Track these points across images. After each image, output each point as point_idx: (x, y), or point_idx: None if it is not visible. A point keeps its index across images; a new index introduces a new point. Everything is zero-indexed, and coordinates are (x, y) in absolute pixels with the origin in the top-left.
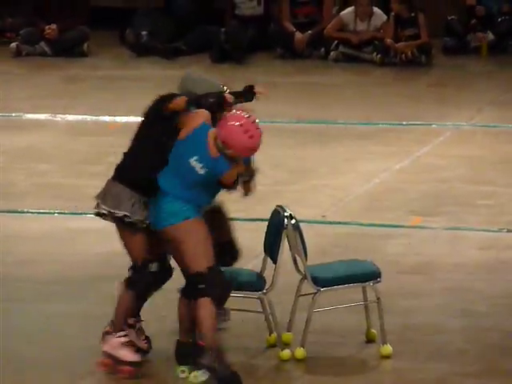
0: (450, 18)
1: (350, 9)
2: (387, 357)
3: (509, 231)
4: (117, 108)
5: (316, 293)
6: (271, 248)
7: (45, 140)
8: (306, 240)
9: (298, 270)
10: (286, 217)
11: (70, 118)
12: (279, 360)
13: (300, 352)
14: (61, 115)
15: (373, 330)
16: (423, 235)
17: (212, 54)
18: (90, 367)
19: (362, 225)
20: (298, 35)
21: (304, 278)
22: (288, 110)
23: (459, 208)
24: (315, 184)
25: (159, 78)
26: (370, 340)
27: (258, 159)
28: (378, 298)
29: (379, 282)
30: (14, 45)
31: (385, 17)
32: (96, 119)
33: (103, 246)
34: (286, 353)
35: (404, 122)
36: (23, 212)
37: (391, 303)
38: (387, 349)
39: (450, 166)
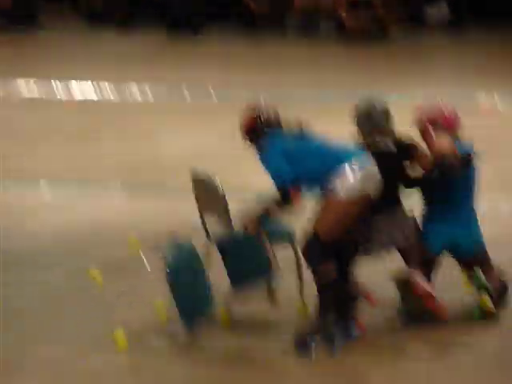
0: None
1: None
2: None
3: None
4: (72, 77)
5: None
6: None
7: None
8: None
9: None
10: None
11: (25, 87)
12: None
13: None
14: (16, 84)
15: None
16: None
17: (168, 24)
18: (50, 336)
19: None
20: (255, 5)
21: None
22: (245, 80)
23: None
24: None
25: (114, 48)
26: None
27: (213, 132)
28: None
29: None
30: None
31: None
32: (51, 89)
33: (55, 218)
34: None
35: (359, 95)
36: None
37: None
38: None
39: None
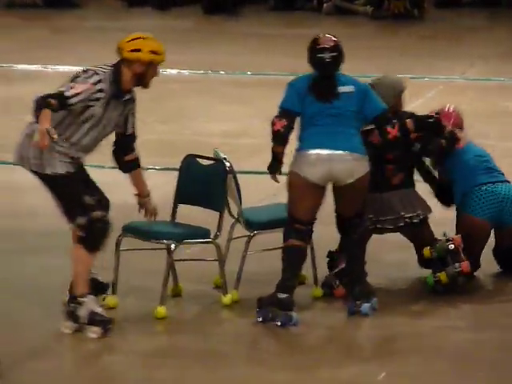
0: None
1: None
2: (318, 298)
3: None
4: (108, 60)
5: (250, 236)
6: (210, 196)
7: (36, 91)
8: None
9: (231, 214)
10: (225, 160)
11: (61, 69)
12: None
13: (234, 294)
14: (51, 66)
15: (303, 273)
16: None
17: (204, 5)
18: None
19: None
20: None
21: (237, 221)
22: (281, 62)
23: None
24: None
25: (151, 30)
26: (300, 282)
27: (251, 112)
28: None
29: None
30: None
31: None
32: None
33: None
34: (229, 297)
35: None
36: (13, 163)
37: (378, 256)
38: (318, 291)
39: None
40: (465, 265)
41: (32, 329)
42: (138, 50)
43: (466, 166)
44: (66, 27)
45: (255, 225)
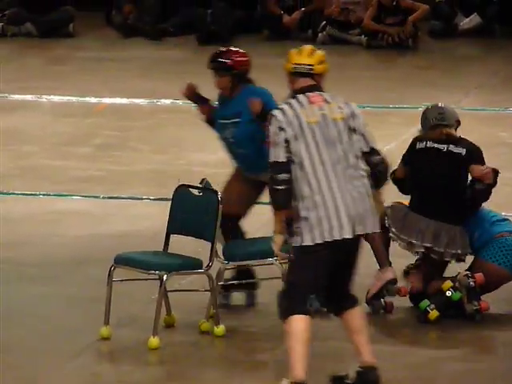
0: (437, 0)
1: None
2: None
3: None
4: (103, 89)
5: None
6: (202, 226)
7: (30, 121)
8: None
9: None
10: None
11: (56, 99)
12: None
13: (219, 329)
14: (46, 96)
15: None
16: None
17: (198, 36)
18: (75, 349)
19: None
20: (286, 17)
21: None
22: (276, 92)
23: None
24: None
25: (145, 60)
26: None
27: None
28: (283, 275)
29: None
30: None
31: None
32: (82, 101)
33: (86, 228)
34: (221, 328)
35: (391, 105)
36: (7, 194)
37: None
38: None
39: None
40: (484, 303)
41: (29, 358)
42: (323, 61)
43: (485, 219)
44: (61, 57)
45: (228, 256)
